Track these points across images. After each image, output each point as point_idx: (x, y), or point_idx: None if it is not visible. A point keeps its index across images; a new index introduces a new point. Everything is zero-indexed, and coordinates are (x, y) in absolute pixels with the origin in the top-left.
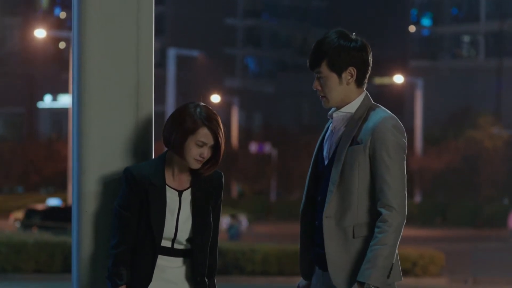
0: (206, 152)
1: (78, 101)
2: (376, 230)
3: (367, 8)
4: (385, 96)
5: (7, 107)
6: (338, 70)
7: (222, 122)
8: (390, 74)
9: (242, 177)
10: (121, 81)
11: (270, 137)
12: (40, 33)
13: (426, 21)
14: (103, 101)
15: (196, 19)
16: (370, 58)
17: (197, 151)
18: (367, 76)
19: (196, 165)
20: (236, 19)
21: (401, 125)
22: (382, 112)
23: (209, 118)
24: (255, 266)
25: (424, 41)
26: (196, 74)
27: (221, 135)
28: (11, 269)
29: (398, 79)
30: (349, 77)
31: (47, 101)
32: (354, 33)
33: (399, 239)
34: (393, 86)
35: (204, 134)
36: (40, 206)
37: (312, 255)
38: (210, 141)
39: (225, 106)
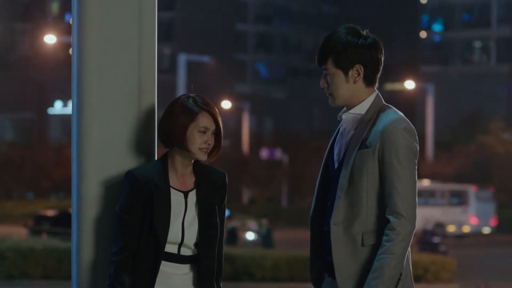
0: (210, 139)
1: (78, 102)
2: (384, 238)
3: (378, 13)
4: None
5: (17, 112)
6: (344, 67)
7: (233, 128)
8: (401, 80)
9: (253, 182)
10: (122, 82)
11: (281, 143)
12: (50, 39)
13: (437, 27)
14: (103, 102)
15: (206, 25)
16: (381, 56)
17: (201, 139)
18: (377, 75)
19: (203, 156)
20: (246, 25)
21: (413, 128)
22: (393, 114)
23: (205, 102)
24: (265, 272)
25: (435, 46)
26: (206, 79)
27: (220, 119)
28: (18, 275)
29: (409, 84)
30: (356, 75)
31: (57, 107)
32: (366, 30)
33: (409, 247)
34: (404, 91)
35: (205, 119)
36: (49, 212)
37: (321, 262)
38: (212, 125)
39: (236, 112)
